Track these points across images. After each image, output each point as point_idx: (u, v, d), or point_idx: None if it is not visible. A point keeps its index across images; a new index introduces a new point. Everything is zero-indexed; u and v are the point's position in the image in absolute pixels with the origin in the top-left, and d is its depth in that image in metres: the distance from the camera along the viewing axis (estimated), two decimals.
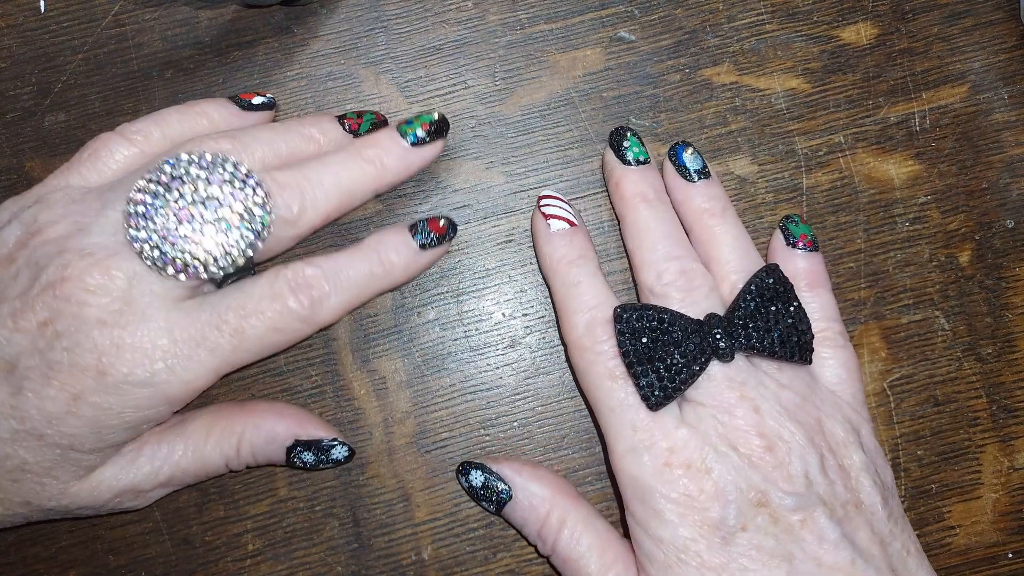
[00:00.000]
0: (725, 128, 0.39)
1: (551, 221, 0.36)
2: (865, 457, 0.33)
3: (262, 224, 0.32)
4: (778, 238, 0.37)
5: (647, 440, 0.32)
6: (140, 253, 0.31)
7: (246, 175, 0.32)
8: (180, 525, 0.37)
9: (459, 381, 0.38)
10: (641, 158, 0.37)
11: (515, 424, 0.38)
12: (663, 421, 0.32)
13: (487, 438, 0.38)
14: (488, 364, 0.38)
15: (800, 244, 0.36)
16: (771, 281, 0.34)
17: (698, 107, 0.39)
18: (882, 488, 0.33)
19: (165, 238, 0.30)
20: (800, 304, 0.34)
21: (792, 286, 0.34)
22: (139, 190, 0.31)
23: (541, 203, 0.37)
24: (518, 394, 0.38)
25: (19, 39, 0.39)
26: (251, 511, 0.37)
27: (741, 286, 0.34)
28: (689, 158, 0.37)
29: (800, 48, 0.40)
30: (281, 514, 0.37)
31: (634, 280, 0.36)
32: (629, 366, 0.32)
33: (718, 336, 0.32)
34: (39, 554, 0.37)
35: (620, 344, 0.32)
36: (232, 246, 0.31)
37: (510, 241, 0.39)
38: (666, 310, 0.33)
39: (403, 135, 0.35)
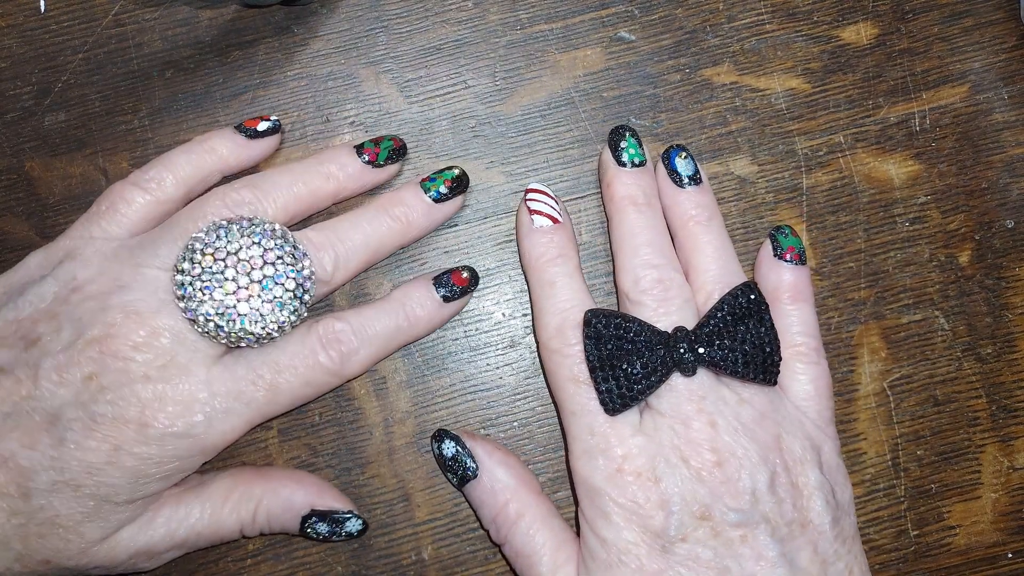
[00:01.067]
0: (725, 128, 0.39)
1: (535, 217, 0.36)
2: (821, 476, 0.33)
3: (310, 296, 0.34)
4: (767, 248, 0.37)
5: (603, 444, 0.33)
6: (194, 323, 0.32)
7: (294, 246, 0.33)
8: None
9: (459, 381, 0.38)
10: (636, 160, 0.37)
11: (515, 424, 0.38)
12: (620, 428, 0.33)
13: (487, 438, 0.38)
14: (488, 364, 0.38)
15: (787, 256, 0.36)
16: (745, 299, 0.34)
17: (698, 107, 0.39)
18: (835, 508, 0.33)
19: (221, 314, 0.32)
20: (772, 326, 0.34)
21: (767, 306, 0.34)
22: (187, 259, 0.32)
23: (527, 197, 0.37)
24: (518, 394, 0.38)
25: (19, 39, 0.39)
26: None
27: (719, 294, 0.35)
28: (681, 163, 0.37)
29: (800, 48, 0.40)
30: None
31: (614, 282, 0.36)
32: (592, 370, 0.33)
33: (683, 350, 0.32)
34: None
35: (586, 348, 0.33)
36: (285, 321, 0.33)
37: (510, 241, 0.39)
38: (634, 319, 0.33)
39: (426, 191, 0.37)
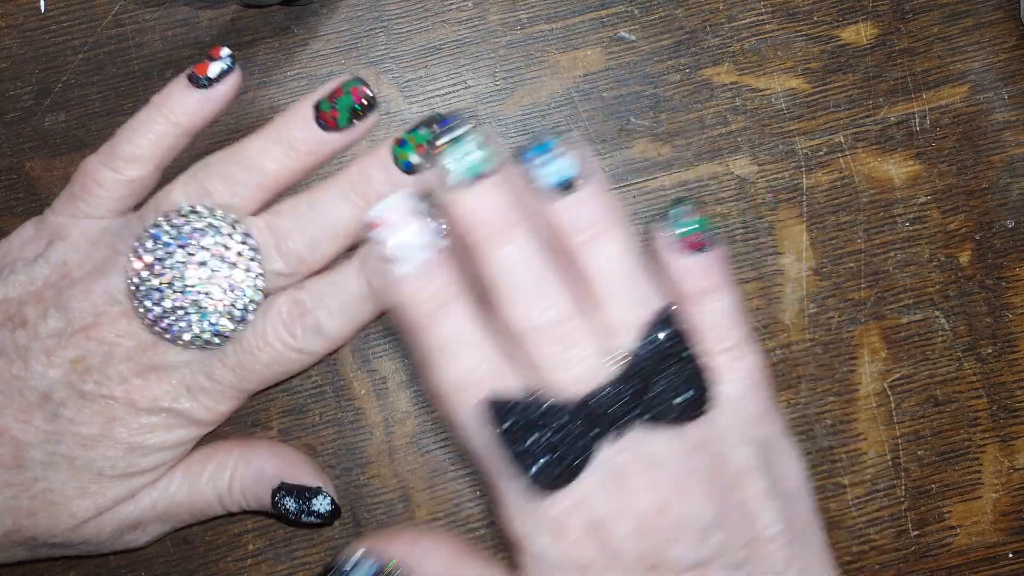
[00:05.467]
0: (725, 128, 0.39)
1: (390, 266, 0.29)
2: (768, 481, 0.30)
3: (252, 299, 0.32)
4: (662, 237, 0.31)
5: (538, 507, 0.29)
6: (143, 323, 0.32)
7: (243, 241, 0.32)
8: (176, 529, 0.37)
9: None
10: (479, 170, 0.28)
11: None
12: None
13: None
14: None
15: (692, 244, 0.30)
16: (662, 336, 0.29)
17: (698, 107, 0.39)
18: (784, 508, 0.30)
19: (160, 319, 0.32)
20: (696, 357, 0.29)
21: (687, 335, 0.29)
22: (135, 258, 0.32)
23: (370, 235, 0.29)
24: None
25: (19, 39, 0.39)
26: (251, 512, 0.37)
27: (627, 336, 0.29)
28: (542, 168, 0.29)
29: (800, 48, 0.40)
30: None
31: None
32: (512, 462, 0.28)
33: (605, 417, 0.28)
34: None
35: (501, 447, 0.28)
36: (224, 325, 0.32)
37: None
38: (547, 407, 0.28)
39: (397, 162, 0.33)
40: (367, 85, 0.33)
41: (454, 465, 0.38)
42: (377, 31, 0.40)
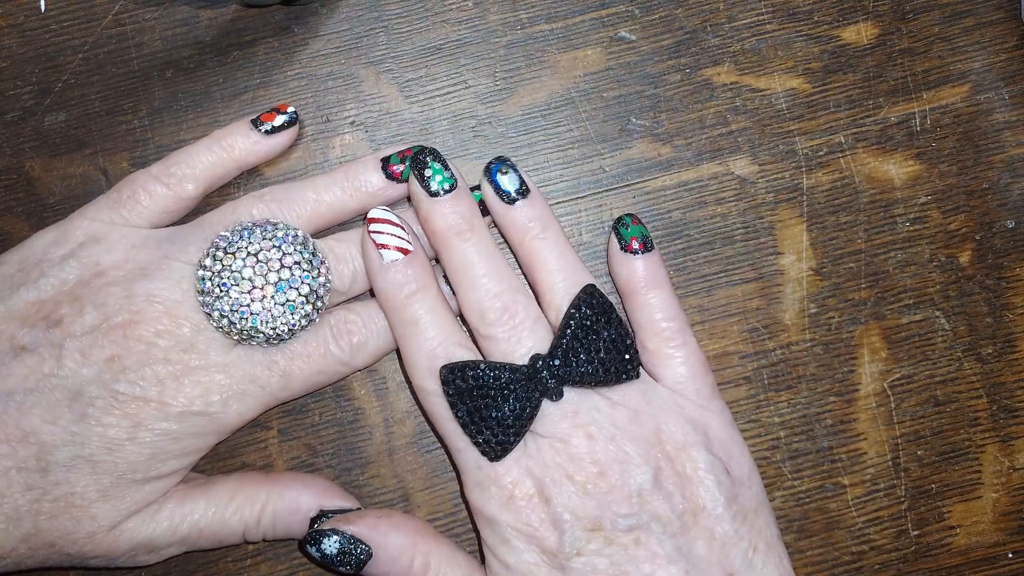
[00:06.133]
0: (725, 128, 0.39)
1: (383, 251, 0.35)
2: (710, 457, 0.33)
3: (323, 303, 0.35)
4: (613, 243, 0.37)
5: (491, 475, 0.33)
6: (209, 317, 0.34)
7: (313, 254, 0.34)
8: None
9: None
10: (447, 186, 0.35)
11: None
12: (506, 458, 0.33)
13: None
14: None
15: (634, 247, 0.36)
16: (588, 306, 0.34)
17: (698, 107, 0.39)
18: (729, 486, 0.33)
19: (235, 311, 0.33)
20: (620, 322, 0.34)
21: (610, 305, 0.34)
22: (211, 256, 0.34)
23: (370, 229, 0.35)
24: None
25: (19, 39, 0.39)
26: None
27: (556, 309, 0.34)
28: (505, 180, 0.36)
29: (800, 48, 0.40)
30: None
31: (461, 317, 0.36)
32: (464, 426, 0.33)
33: (544, 378, 0.33)
34: None
35: (451, 406, 0.33)
36: (295, 324, 0.34)
37: None
38: (489, 365, 0.33)
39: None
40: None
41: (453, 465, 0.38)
42: (377, 31, 0.39)
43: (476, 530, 0.34)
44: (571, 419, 0.33)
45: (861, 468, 0.38)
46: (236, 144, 0.37)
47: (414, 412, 0.38)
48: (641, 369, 0.34)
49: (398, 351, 0.36)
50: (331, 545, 0.33)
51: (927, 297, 0.39)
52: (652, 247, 0.36)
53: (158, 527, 0.34)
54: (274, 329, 0.34)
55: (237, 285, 0.33)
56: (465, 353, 0.34)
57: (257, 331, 0.34)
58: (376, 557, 0.33)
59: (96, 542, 0.33)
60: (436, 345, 0.34)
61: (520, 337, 0.34)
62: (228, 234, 0.34)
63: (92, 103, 0.39)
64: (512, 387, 0.33)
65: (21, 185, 0.39)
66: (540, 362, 0.33)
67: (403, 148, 0.37)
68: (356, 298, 0.37)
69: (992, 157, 0.39)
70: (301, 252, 0.34)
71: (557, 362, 0.33)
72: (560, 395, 0.33)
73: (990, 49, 0.40)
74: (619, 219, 0.37)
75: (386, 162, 0.37)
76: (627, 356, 0.34)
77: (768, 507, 0.34)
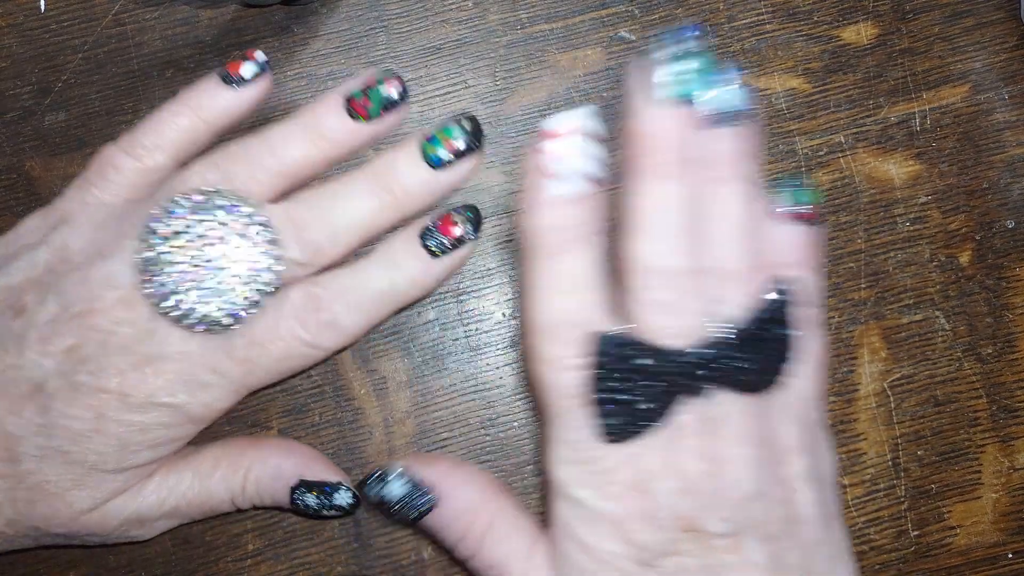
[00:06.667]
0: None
1: (553, 182, 0.28)
2: (811, 463, 0.30)
3: (273, 282, 0.31)
4: (779, 202, 0.31)
5: (588, 455, 0.29)
6: (151, 304, 0.31)
7: (262, 225, 0.31)
8: (180, 525, 0.37)
9: (459, 381, 0.38)
10: (690, 95, 0.28)
11: (515, 424, 0.38)
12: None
13: (487, 438, 0.38)
14: (488, 364, 0.38)
15: (801, 213, 0.30)
16: (780, 310, 0.29)
17: None
18: (820, 491, 0.30)
19: (173, 294, 0.31)
20: (795, 339, 0.29)
21: (795, 309, 0.29)
22: (143, 240, 0.31)
23: (546, 145, 0.28)
24: (518, 394, 0.38)
25: (19, 39, 0.39)
26: (251, 511, 0.37)
27: (733, 292, 0.29)
28: (725, 92, 0.27)
29: (800, 48, 0.40)
30: (281, 514, 0.37)
31: (620, 253, 0.30)
32: (591, 402, 0.28)
33: (693, 378, 0.28)
34: (40, 553, 0.37)
35: (591, 382, 0.28)
36: (238, 308, 0.31)
37: (510, 241, 0.39)
38: (650, 350, 0.28)
39: (425, 157, 0.32)
40: (399, 78, 0.32)
41: None
42: (377, 31, 0.39)
43: (544, 497, 0.32)
44: (691, 412, 0.29)
45: (861, 468, 0.38)
46: (204, 104, 0.33)
47: (414, 412, 0.38)
48: None
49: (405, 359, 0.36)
50: (397, 487, 0.30)
51: (927, 297, 0.39)
52: (819, 221, 0.30)
53: (145, 502, 0.33)
54: (217, 315, 0.31)
55: (170, 267, 0.31)
56: (608, 325, 0.29)
57: (201, 318, 0.31)
58: (441, 509, 0.30)
59: (82, 523, 0.32)
60: (576, 308, 0.29)
61: (684, 313, 0.28)
62: (158, 211, 0.31)
63: (92, 103, 0.39)
64: (662, 377, 0.28)
65: (21, 185, 0.39)
66: (705, 361, 0.28)
67: (366, 76, 0.33)
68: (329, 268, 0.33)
69: (992, 157, 0.39)
70: (246, 225, 0.31)
71: (720, 362, 0.27)
72: (703, 393, 0.28)
73: (990, 49, 0.40)
74: (793, 178, 0.31)
75: (349, 100, 0.32)
76: (787, 366, 0.29)
77: (841, 514, 0.32)
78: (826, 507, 0.30)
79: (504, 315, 0.38)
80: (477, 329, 0.38)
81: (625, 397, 0.28)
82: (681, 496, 0.29)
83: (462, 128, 0.32)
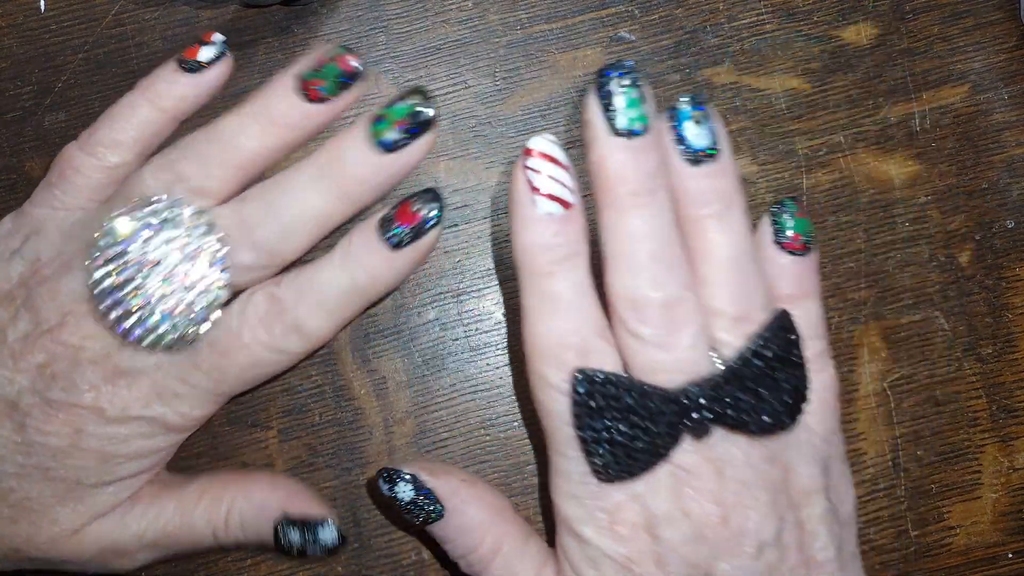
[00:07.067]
0: (725, 128, 0.39)
1: (538, 199, 0.28)
2: (827, 504, 0.29)
3: (223, 291, 0.30)
4: (766, 231, 0.31)
5: (593, 492, 0.28)
6: (104, 324, 0.30)
7: (205, 232, 0.29)
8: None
9: (459, 381, 0.38)
10: (639, 126, 0.27)
11: (515, 424, 0.38)
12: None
13: (487, 438, 0.38)
14: (488, 364, 0.38)
15: (792, 244, 0.30)
16: (775, 343, 0.28)
17: None
18: (838, 534, 0.30)
19: (126, 315, 0.30)
20: (802, 367, 0.28)
21: (799, 342, 0.28)
22: (92, 259, 0.30)
23: (528, 164, 0.28)
24: (518, 394, 0.38)
25: (19, 39, 0.39)
26: None
27: (730, 330, 0.28)
28: (693, 131, 0.28)
29: (800, 48, 0.40)
30: None
31: (604, 293, 0.29)
32: (583, 441, 0.27)
33: (696, 416, 0.27)
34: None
35: (576, 420, 0.27)
36: (193, 322, 0.30)
37: (510, 241, 0.39)
38: (638, 389, 0.27)
39: (374, 140, 0.30)
40: (353, 53, 0.30)
41: (454, 465, 0.38)
42: (377, 31, 0.39)
43: (545, 523, 0.32)
44: (701, 453, 0.28)
45: (861, 468, 0.38)
46: (163, 92, 0.32)
47: (414, 412, 0.38)
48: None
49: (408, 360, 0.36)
50: (405, 491, 0.30)
51: (927, 297, 0.39)
52: (813, 248, 0.30)
53: (125, 531, 0.32)
54: (172, 335, 0.30)
55: (120, 292, 0.30)
56: (604, 348, 0.28)
57: (157, 339, 0.30)
58: (446, 522, 0.30)
59: (59, 547, 0.31)
60: (572, 332, 0.28)
61: (675, 347, 0.27)
62: (106, 227, 0.30)
63: (92, 103, 0.39)
64: (656, 417, 0.27)
65: (21, 185, 0.39)
66: (697, 397, 0.27)
67: (318, 54, 0.31)
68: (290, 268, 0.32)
69: (992, 157, 0.39)
70: (192, 235, 0.29)
71: (718, 399, 0.27)
72: (708, 434, 0.27)
73: (990, 49, 0.40)
74: (781, 203, 0.31)
75: (301, 81, 0.30)
76: (797, 408, 0.28)
77: (859, 557, 0.31)
78: (843, 549, 0.30)
79: (504, 315, 0.38)
80: (477, 329, 0.38)
81: (619, 438, 0.27)
82: (693, 543, 0.28)
83: (411, 104, 0.30)
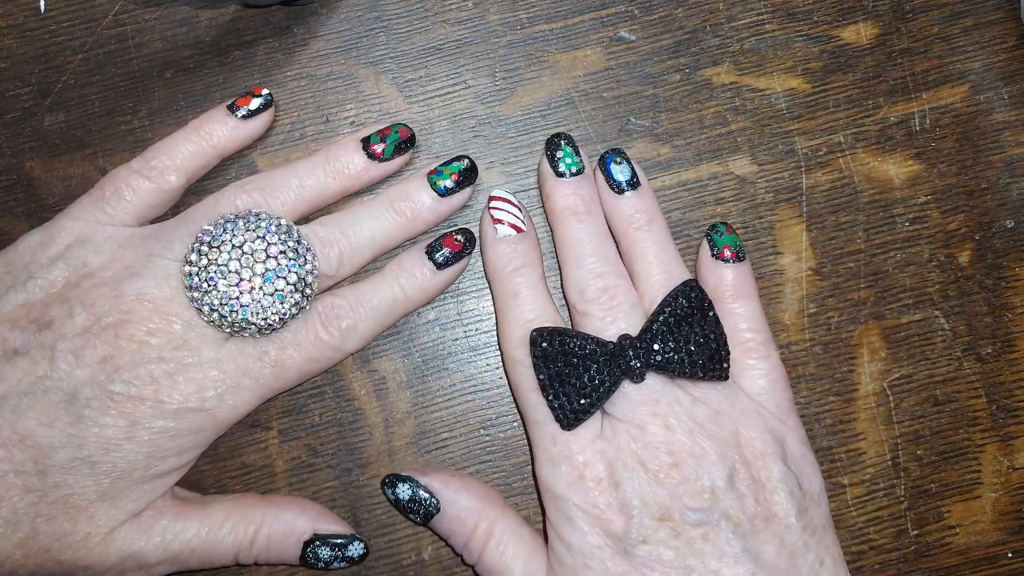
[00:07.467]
0: (725, 128, 0.39)
1: (498, 226, 0.37)
2: (784, 468, 0.34)
3: (312, 290, 0.35)
4: (704, 249, 0.37)
5: (564, 452, 0.34)
6: (200, 312, 0.34)
7: (297, 241, 0.35)
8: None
9: (459, 381, 0.38)
10: (574, 169, 0.37)
11: (515, 424, 0.38)
12: (580, 435, 0.34)
13: (487, 438, 0.38)
14: (488, 364, 0.38)
15: (726, 255, 0.37)
16: (686, 299, 0.34)
17: (698, 107, 0.39)
18: (801, 499, 0.33)
19: (224, 304, 0.34)
20: (717, 321, 0.35)
21: (709, 302, 0.35)
22: (195, 251, 0.34)
23: (490, 205, 0.37)
24: None
25: (19, 39, 0.39)
26: None
27: (659, 298, 0.35)
28: (617, 169, 0.37)
29: (800, 48, 0.40)
30: None
31: (563, 293, 0.37)
32: (543, 388, 0.34)
33: (629, 357, 0.33)
34: None
35: (535, 367, 0.34)
36: (285, 313, 0.34)
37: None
38: (578, 334, 0.34)
39: (432, 185, 0.37)
40: (409, 128, 0.38)
41: (453, 465, 0.38)
42: (377, 31, 0.39)
43: (543, 508, 0.34)
44: (651, 406, 0.34)
45: (861, 468, 0.38)
46: (215, 132, 0.37)
47: (414, 412, 0.38)
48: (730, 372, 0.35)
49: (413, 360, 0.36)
50: (404, 491, 0.35)
51: (926, 297, 0.39)
52: (743, 257, 0.37)
53: (150, 541, 0.34)
54: (265, 320, 0.34)
55: (224, 278, 0.34)
56: (557, 321, 0.35)
57: (248, 323, 0.34)
58: (443, 513, 0.35)
59: (90, 547, 0.33)
60: (532, 318, 0.35)
61: (614, 317, 0.35)
62: (211, 227, 0.34)
63: (92, 103, 0.39)
64: (596, 359, 0.33)
65: (21, 185, 0.39)
66: (627, 341, 0.34)
67: (382, 127, 0.38)
68: (343, 282, 0.37)
69: (991, 157, 0.39)
70: (285, 240, 0.34)
71: (644, 344, 0.33)
72: (642, 378, 0.34)
73: (989, 49, 0.40)
74: (713, 226, 0.37)
75: (366, 142, 0.37)
76: (720, 355, 0.34)
77: (833, 528, 0.35)
78: (808, 515, 0.33)
79: None
80: (477, 329, 0.38)
81: (567, 378, 0.33)
82: (650, 486, 0.33)
83: (461, 165, 0.37)
